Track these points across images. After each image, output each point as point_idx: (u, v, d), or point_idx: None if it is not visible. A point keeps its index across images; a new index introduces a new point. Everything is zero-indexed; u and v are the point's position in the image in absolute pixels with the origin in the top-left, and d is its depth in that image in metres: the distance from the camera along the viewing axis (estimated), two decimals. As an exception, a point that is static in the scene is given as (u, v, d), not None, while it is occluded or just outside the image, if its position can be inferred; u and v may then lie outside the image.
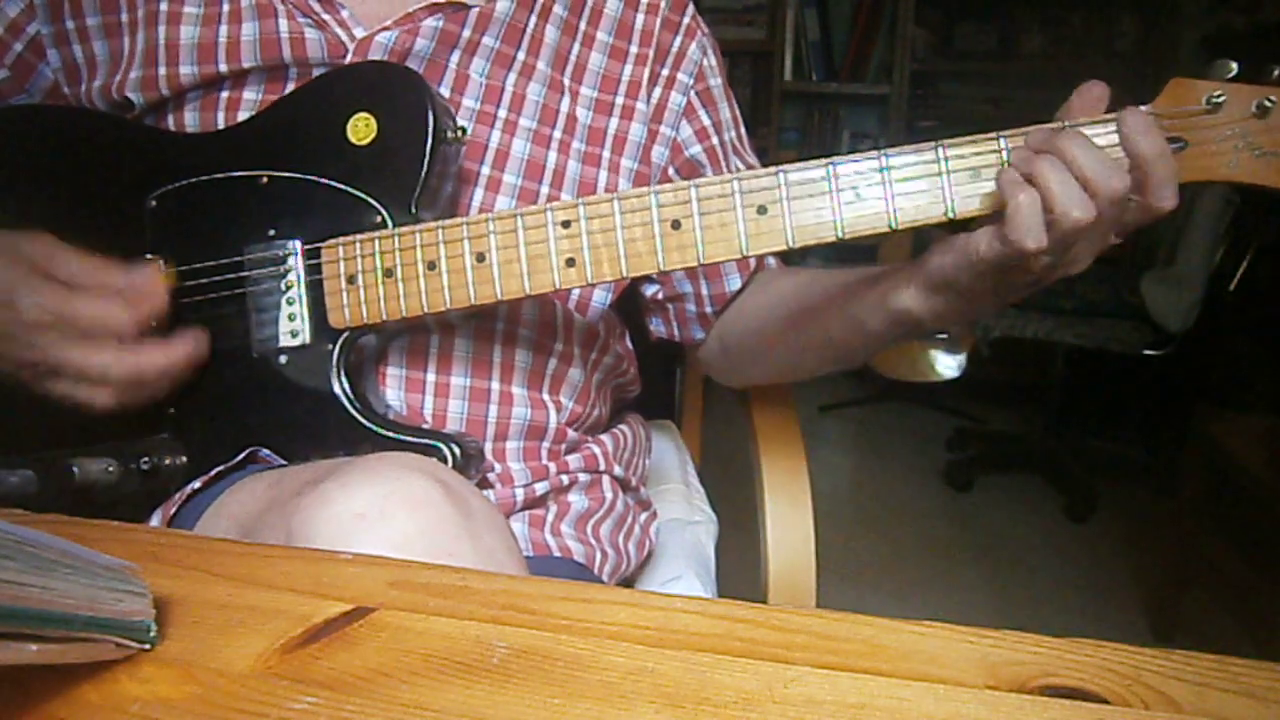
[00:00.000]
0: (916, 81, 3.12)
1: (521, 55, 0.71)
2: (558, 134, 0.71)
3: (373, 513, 0.46)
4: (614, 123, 0.74)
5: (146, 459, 0.65)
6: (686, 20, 0.77)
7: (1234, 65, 0.53)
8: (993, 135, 0.56)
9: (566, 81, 0.72)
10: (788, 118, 3.30)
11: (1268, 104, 0.53)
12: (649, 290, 0.81)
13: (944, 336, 2.81)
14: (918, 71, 3.11)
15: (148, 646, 0.35)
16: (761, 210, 0.57)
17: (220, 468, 0.63)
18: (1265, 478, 1.49)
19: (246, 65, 0.67)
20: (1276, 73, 0.53)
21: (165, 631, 0.36)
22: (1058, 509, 2.35)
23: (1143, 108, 0.54)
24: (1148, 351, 2.16)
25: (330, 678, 0.33)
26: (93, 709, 0.32)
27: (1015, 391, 2.96)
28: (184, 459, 0.65)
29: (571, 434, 0.75)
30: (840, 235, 0.57)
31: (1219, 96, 0.53)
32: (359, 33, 0.67)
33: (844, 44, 3.20)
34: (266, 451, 0.64)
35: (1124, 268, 2.45)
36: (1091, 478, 2.39)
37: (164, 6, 0.68)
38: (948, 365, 2.83)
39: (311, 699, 0.32)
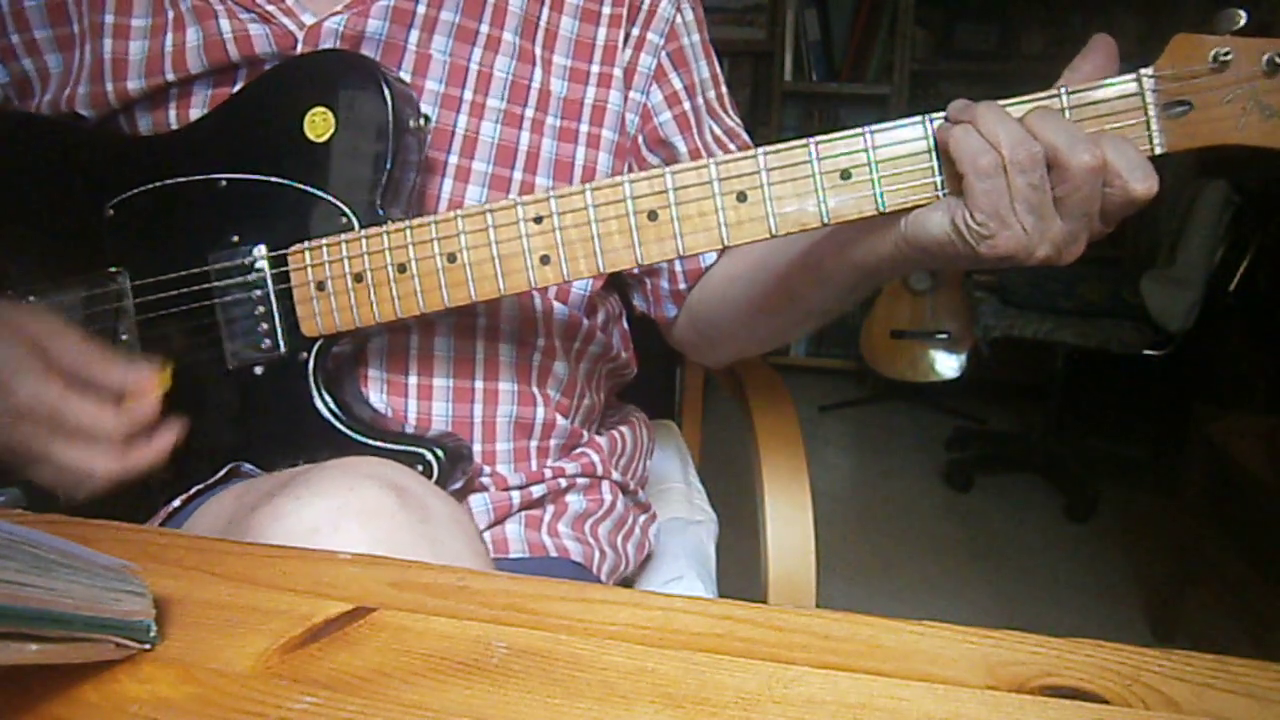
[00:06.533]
0: (916, 81, 3.13)
1: (485, 28, 0.67)
2: (530, 112, 0.68)
3: (326, 527, 0.46)
4: (590, 91, 0.70)
5: None
6: None
7: (1242, 15, 0.49)
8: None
9: (538, 50, 0.69)
10: (788, 118, 3.30)
11: (1279, 60, 0.49)
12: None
13: (944, 336, 2.81)
14: (918, 71, 3.11)
15: (148, 646, 0.35)
16: (741, 197, 0.54)
17: (199, 485, 0.62)
18: (1265, 478, 1.49)
19: (194, 71, 0.65)
20: None
21: (165, 631, 0.36)
22: (1058, 509, 2.35)
23: (1145, 69, 0.51)
24: (1148, 351, 2.17)
25: (330, 678, 0.33)
26: (93, 709, 0.32)
27: (1015, 391, 2.97)
28: (168, 476, 0.63)
29: (561, 422, 0.72)
30: (826, 221, 0.54)
31: (1226, 54, 0.49)
32: (307, 19, 0.64)
33: (844, 44, 3.20)
34: (249, 466, 0.63)
35: (1124, 268, 2.45)
36: (1091, 478, 2.39)
37: (109, 19, 0.66)
38: (948, 365, 2.83)
39: (311, 699, 0.32)
